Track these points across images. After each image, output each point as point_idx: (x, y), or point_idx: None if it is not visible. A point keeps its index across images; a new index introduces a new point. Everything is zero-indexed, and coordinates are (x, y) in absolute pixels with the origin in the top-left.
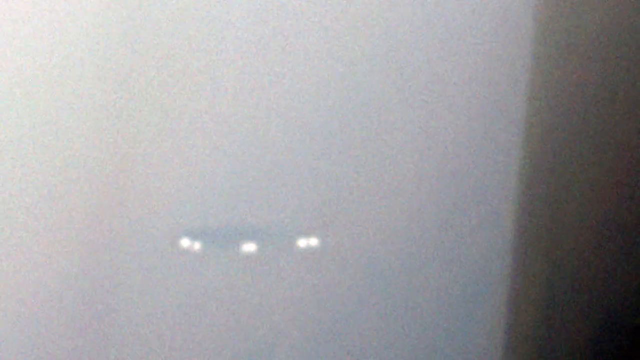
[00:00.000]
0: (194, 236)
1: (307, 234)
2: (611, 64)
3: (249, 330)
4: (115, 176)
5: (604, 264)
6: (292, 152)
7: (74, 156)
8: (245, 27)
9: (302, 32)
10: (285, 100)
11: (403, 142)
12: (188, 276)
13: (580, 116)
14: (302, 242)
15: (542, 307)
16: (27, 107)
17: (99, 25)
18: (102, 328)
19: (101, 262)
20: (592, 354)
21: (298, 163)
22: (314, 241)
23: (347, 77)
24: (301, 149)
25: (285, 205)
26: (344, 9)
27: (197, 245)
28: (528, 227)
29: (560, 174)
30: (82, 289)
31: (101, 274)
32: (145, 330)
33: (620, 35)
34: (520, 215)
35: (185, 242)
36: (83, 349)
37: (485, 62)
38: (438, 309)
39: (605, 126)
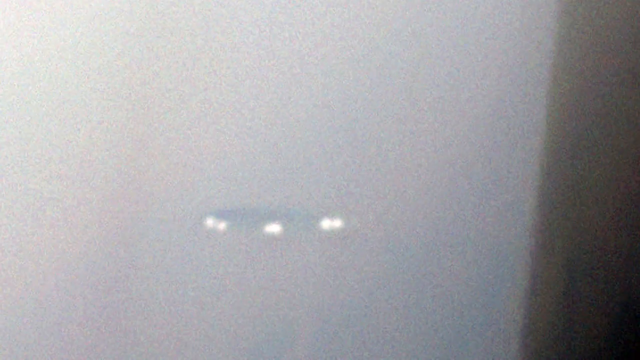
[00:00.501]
0: (218, 216)
1: (331, 215)
2: (631, 59)
3: (271, 311)
4: (140, 157)
5: (623, 253)
6: (317, 133)
7: (99, 138)
8: (265, 15)
9: (330, 14)
10: (312, 82)
11: (428, 128)
12: (212, 256)
13: (601, 103)
14: (325, 224)
15: (561, 295)
16: (52, 86)
17: (126, 16)
18: (125, 308)
19: (125, 242)
20: (611, 343)
21: (323, 145)
22: (337, 223)
23: (377, 64)
24: (327, 131)
25: (309, 187)
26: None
27: (221, 226)
28: (548, 213)
29: (581, 162)
30: (105, 270)
31: (125, 254)
32: (167, 310)
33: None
34: (541, 201)
35: (210, 222)
36: (106, 328)
37: (508, 57)
38: (457, 295)
39: (625, 112)
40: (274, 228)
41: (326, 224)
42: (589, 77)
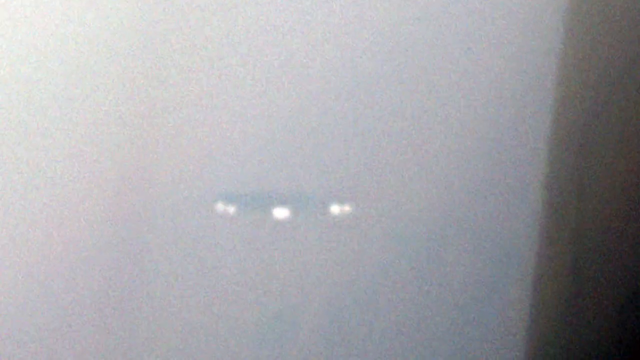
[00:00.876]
0: (227, 200)
1: (339, 200)
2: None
3: (278, 294)
4: (150, 142)
5: (629, 244)
6: (328, 119)
7: (110, 120)
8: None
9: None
10: (322, 68)
11: (438, 117)
12: (221, 240)
13: (608, 96)
14: (334, 209)
15: (568, 286)
16: (61, 80)
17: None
18: (134, 290)
19: (135, 226)
20: (616, 335)
21: (334, 131)
22: (346, 208)
23: (390, 54)
24: (338, 117)
25: (318, 171)
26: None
27: (231, 210)
28: (555, 204)
29: (588, 154)
30: (114, 257)
31: (135, 238)
32: (176, 294)
33: None
34: (547, 191)
35: (219, 206)
36: (115, 313)
37: (515, 55)
38: (463, 284)
39: (633, 105)
40: (283, 212)
41: (335, 208)
42: (597, 69)
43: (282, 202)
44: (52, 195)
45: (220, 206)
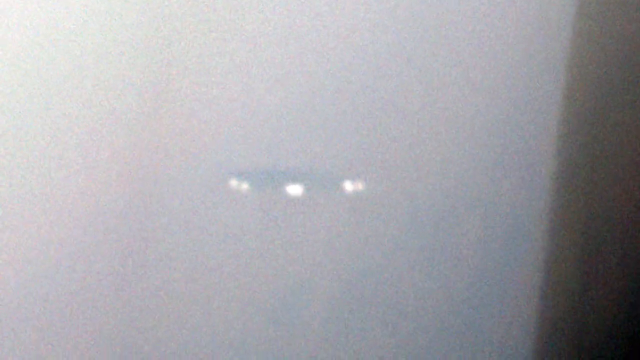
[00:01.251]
0: (241, 177)
1: (353, 177)
2: None
3: (290, 272)
4: (162, 116)
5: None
6: (343, 94)
7: (121, 92)
8: None
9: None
10: (336, 43)
11: (450, 99)
12: (234, 217)
13: (617, 93)
14: (348, 186)
15: (579, 261)
16: (72, 68)
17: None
18: (146, 265)
19: (148, 202)
20: (628, 312)
21: (348, 106)
22: (359, 185)
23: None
24: (353, 93)
25: (332, 148)
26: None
27: (244, 186)
28: (567, 177)
29: (600, 132)
30: (126, 227)
31: (147, 213)
32: (187, 269)
33: None
34: (557, 173)
35: (233, 183)
36: (124, 287)
37: (526, 48)
38: (476, 258)
39: None
40: (296, 189)
41: (349, 185)
42: (607, 66)
43: (296, 179)
44: (56, 166)
45: (233, 183)
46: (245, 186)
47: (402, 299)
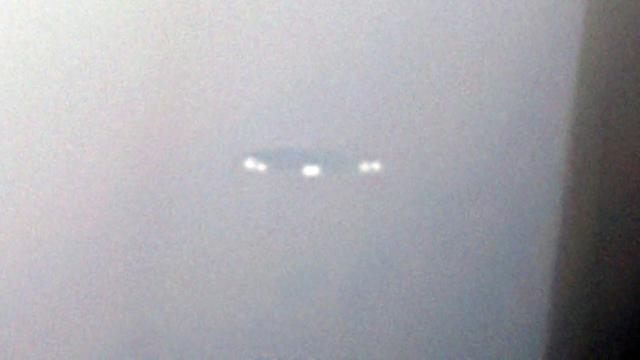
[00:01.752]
0: (257, 158)
1: (370, 158)
2: None
3: (307, 252)
4: (177, 98)
5: None
6: (359, 74)
7: (133, 75)
8: None
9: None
10: (355, 23)
11: (465, 95)
12: (251, 197)
13: (630, 89)
14: (364, 166)
15: (592, 238)
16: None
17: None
18: (162, 246)
19: (165, 183)
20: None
21: (365, 86)
22: (376, 166)
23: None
24: (368, 73)
25: (349, 129)
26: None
27: (260, 167)
28: (580, 155)
29: (613, 110)
30: (144, 207)
31: (164, 194)
32: (205, 249)
33: None
34: (569, 169)
35: (249, 163)
36: (141, 266)
37: (537, 46)
38: (489, 237)
39: None
40: (312, 169)
41: (364, 166)
42: (618, 63)
43: (311, 159)
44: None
45: (248, 163)
46: (260, 167)
47: (415, 280)
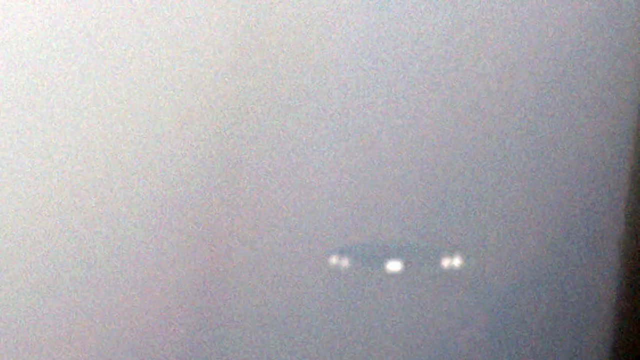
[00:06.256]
0: (342, 253)
1: (451, 253)
2: None
3: (391, 347)
4: (261, 193)
5: None
6: (437, 169)
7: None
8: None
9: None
10: (428, 116)
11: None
12: (336, 292)
13: None
14: (446, 262)
15: None
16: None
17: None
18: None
19: (252, 271)
20: None
21: (442, 179)
22: (457, 261)
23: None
24: (445, 165)
25: (430, 224)
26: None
27: (345, 263)
28: None
29: None
30: (228, 292)
31: (255, 280)
32: (295, 343)
33: None
34: (633, 174)
35: (333, 260)
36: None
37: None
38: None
39: None
40: (395, 265)
41: (446, 261)
42: None
43: (395, 255)
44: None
45: (333, 259)
46: (347, 262)
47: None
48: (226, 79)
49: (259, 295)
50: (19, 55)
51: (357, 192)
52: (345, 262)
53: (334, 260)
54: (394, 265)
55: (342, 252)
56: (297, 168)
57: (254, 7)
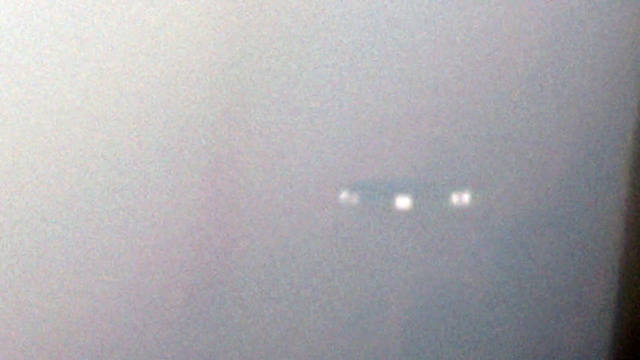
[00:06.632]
0: (352, 189)
1: (460, 190)
2: None
3: (403, 285)
4: (275, 130)
5: None
6: (449, 107)
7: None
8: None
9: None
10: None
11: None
12: (346, 228)
13: None
14: (455, 199)
15: None
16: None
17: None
18: (259, 270)
19: (260, 208)
20: None
21: (455, 118)
22: (466, 198)
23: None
24: (458, 106)
25: (441, 161)
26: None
27: (354, 199)
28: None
29: None
30: (241, 238)
31: (260, 220)
32: (298, 287)
33: None
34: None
35: (344, 195)
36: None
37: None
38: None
39: None
40: (405, 201)
41: (456, 197)
42: None
43: (404, 191)
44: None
45: (344, 196)
46: (357, 198)
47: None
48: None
49: (268, 233)
50: (13, 53)
51: (366, 128)
52: (354, 198)
53: (343, 196)
54: (402, 202)
55: (351, 188)
56: (306, 103)
57: None
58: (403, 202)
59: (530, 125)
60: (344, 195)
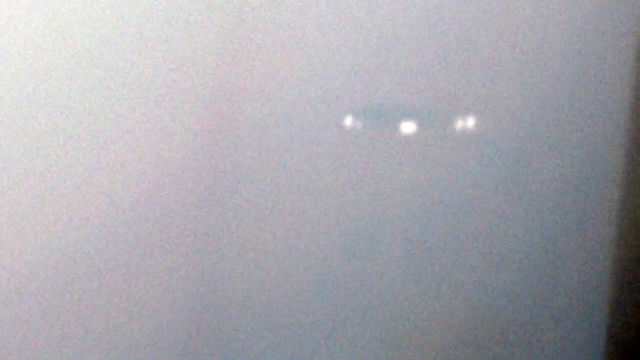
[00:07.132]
0: (355, 115)
1: (464, 115)
2: None
3: (401, 209)
4: (276, 57)
5: None
6: (454, 32)
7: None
8: None
9: None
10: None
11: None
12: (348, 156)
13: None
14: (459, 124)
15: None
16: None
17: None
18: (262, 207)
19: (261, 141)
20: None
21: (462, 44)
22: (471, 122)
23: None
24: (464, 30)
25: (444, 86)
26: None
27: (358, 124)
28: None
29: None
30: (240, 170)
31: (262, 151)
32: (297, 204)
33: None
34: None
35: (347, 121)
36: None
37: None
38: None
39: None
40: (408, 127)
41: (459, 123)
42: None
43: (406, 116)
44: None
45: (348, 120)
46: (361, 124)
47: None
48: None
49: (270, 162)
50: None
51: (370, 52)
52: (358, 124)
53: (347, 121)
54: (407, 127)
55: (355, 114)
56: (310, 28)
57: None
58: (408, 127)
59: (541, 47)
60: (348, 120)
